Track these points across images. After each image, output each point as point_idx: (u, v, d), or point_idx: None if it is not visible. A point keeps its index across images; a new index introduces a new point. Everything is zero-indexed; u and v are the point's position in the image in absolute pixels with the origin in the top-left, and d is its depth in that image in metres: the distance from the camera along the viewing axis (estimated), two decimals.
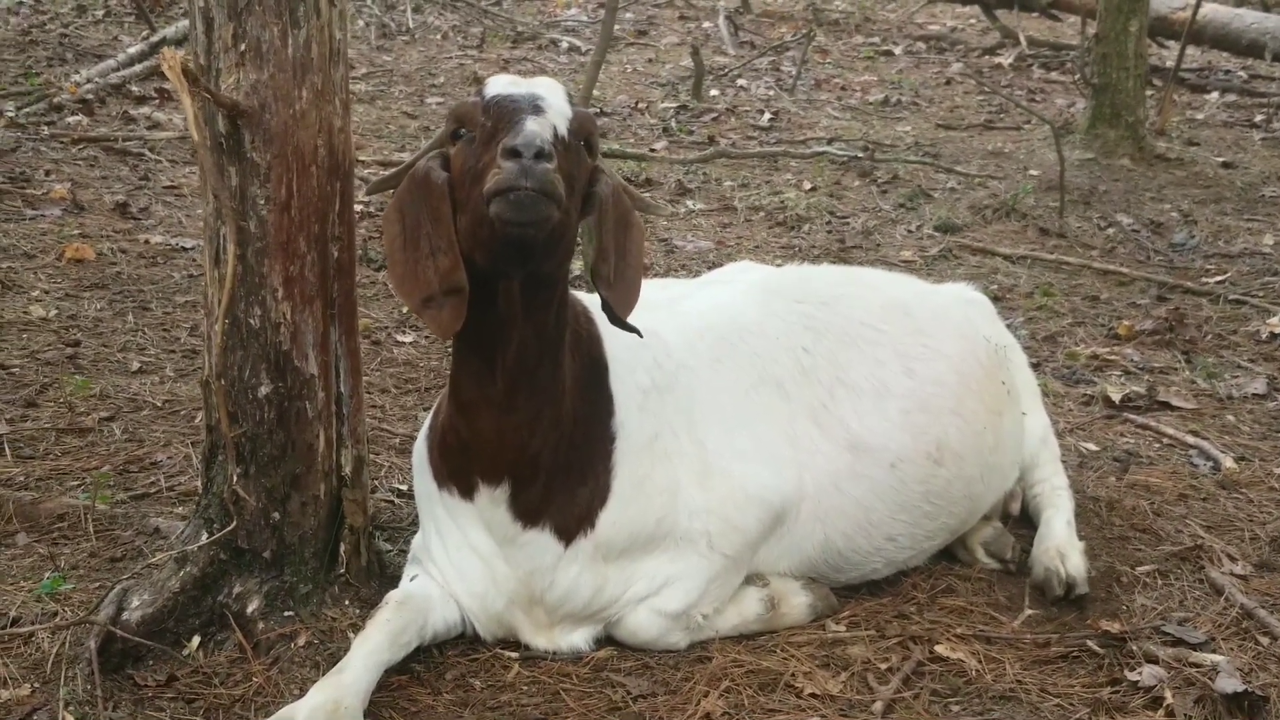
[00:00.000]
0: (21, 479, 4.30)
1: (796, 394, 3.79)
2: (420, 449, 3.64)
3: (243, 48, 3.19)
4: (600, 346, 3.51)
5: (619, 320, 3.25)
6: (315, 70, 3.27)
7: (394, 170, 3.50)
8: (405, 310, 6.05)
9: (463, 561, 3.51)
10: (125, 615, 3.41)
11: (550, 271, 3.15)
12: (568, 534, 3.44)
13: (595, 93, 10.51)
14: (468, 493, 3.43)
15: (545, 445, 3.34)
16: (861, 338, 3.93)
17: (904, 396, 3.88)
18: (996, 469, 4.13)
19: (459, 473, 3.44)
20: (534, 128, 2.91)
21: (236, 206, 3.25)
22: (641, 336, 3.36)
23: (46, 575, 3.69)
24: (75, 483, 4.31)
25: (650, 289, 3.71)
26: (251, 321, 3.36)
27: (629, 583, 3.54)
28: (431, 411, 3.67)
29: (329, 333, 3.44)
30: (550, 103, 3.07)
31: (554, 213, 2.91)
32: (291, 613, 3.51)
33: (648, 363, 3.60)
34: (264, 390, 3.40)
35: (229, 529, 3.39)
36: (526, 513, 3.40)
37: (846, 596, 3.93)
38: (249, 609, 3.48)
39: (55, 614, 3.53)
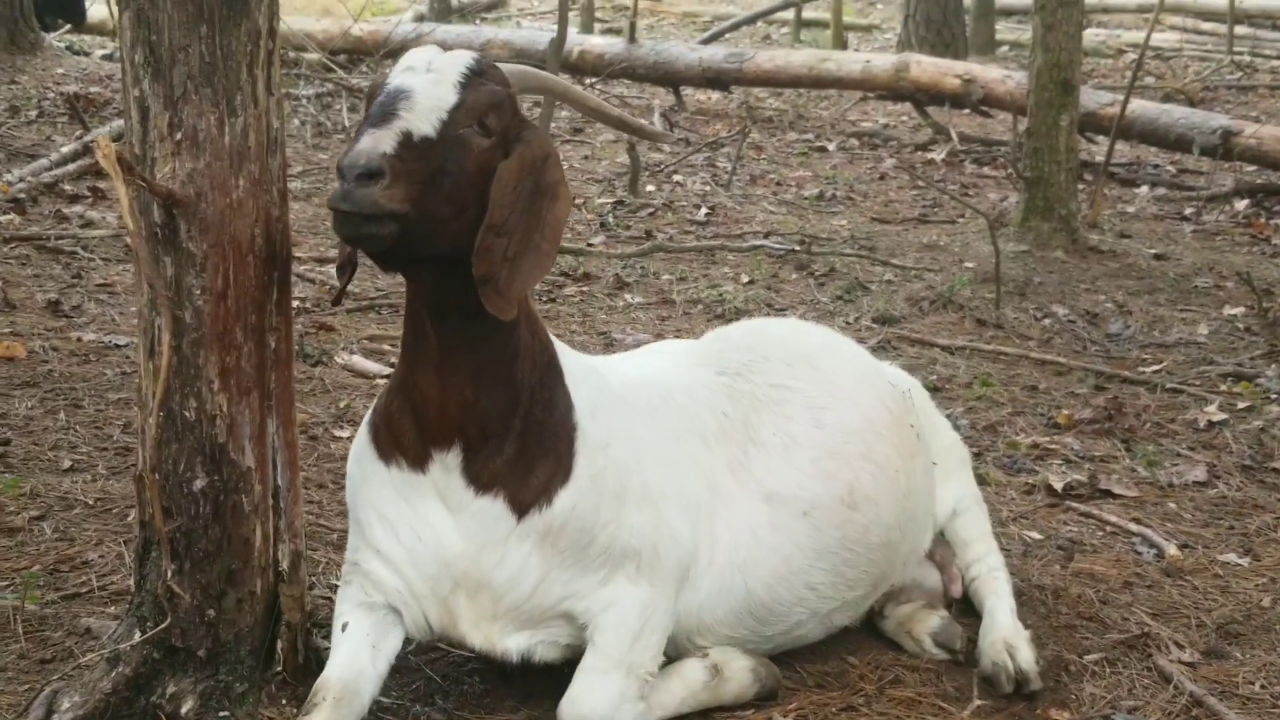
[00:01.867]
0: None
1: (716, 450, 3.85)
2: (362, 435, 3.59)
3: (179, 136, 3.16)
4: (557, 356, 3.54)
5: (500, 300, 3.14)
6: (253, 159, 3.24)
7: None
8: (343, 405, 5.98)
9: (414, 545, 3.44)
10: (56, 718, 3.31)
11: (443, 254, 3.12)
12: (522, 506, 3.40)
13: None
14: (419, 462, 3.39)
15: (494, 409, 3.34)
16: (771, 399, 3.98)
17: (813, 446, 3.93)
18: (912, 516, 4.14)
19: (409, 440, 3.40)
20: (364, 146, 2.91)
21: (172, 296, 3.20)
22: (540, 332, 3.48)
23: None
24: (4, 583, 4.18)
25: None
26: (187, 414, 3.30)
27: (566, 589, 3.49)
28: (373, 405, 3.62)
29: (266, 424, 3.39)
30: (417, 102, 3.03)
31: (388, 229, 2.94)
32: (227, 713, 3.42)
33: (593, 386, 3.63)
34: (199, 484, 3.33)
35: (163, 627, 3.31)
36: (479, 478, 3.37)
37: (792, 687, 3.89)
38: (183, 709, 3.39)
39: None
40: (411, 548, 3.45)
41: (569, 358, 3.61)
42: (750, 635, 3.84)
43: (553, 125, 13.74)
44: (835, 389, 4.06)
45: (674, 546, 3.63)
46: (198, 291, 3.23)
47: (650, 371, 4.02)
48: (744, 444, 3.89)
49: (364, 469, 3.54)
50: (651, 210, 10.58)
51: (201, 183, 3.18)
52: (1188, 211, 11.38)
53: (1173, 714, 3.79)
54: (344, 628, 3.51)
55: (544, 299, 7.98)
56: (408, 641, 3.63)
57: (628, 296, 8.19)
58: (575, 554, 3.48)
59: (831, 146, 13.96)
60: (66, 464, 5.15)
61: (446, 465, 3.36)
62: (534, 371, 3.42)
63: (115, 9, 3.21)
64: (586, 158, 12.77)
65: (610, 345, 7.14)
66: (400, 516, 3.45)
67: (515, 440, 3.39)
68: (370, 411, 3.61)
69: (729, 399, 3.96)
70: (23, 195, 9.40)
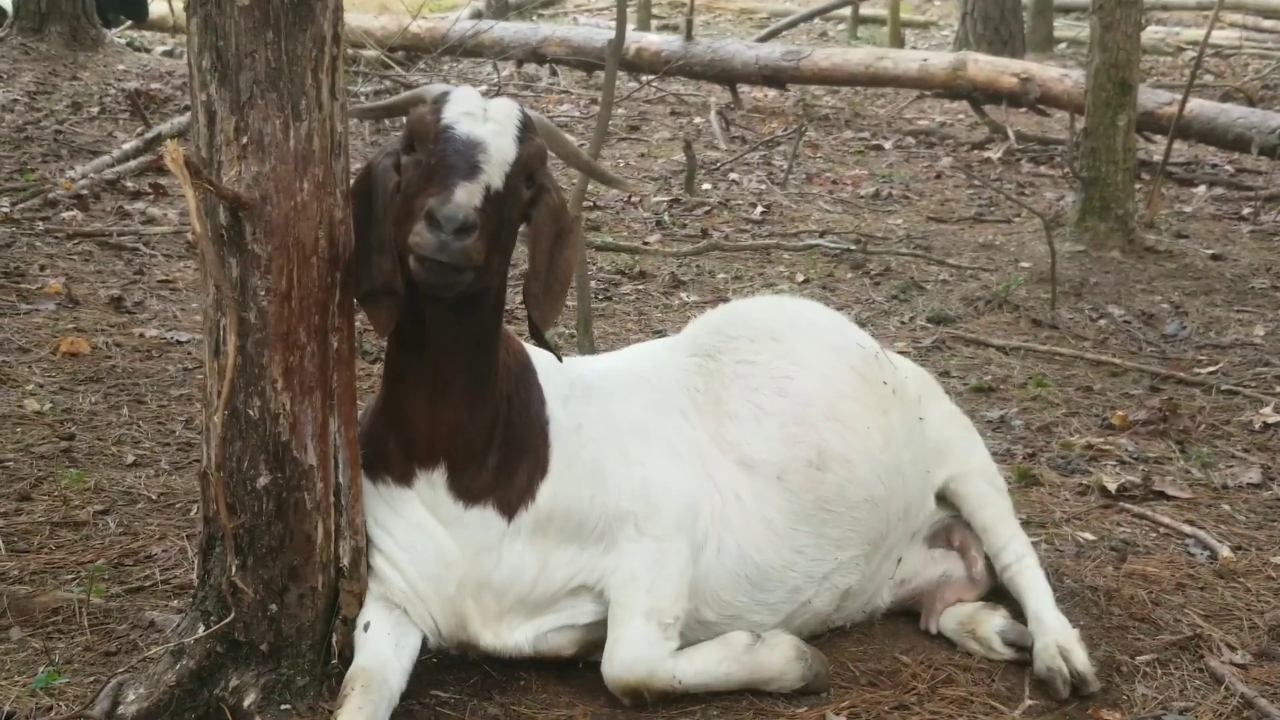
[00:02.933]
0: (16, 573, 4.27)
1: (696, 422, 4.04)
2: None
3: (245, 140, 3.23)
4: (526, 352, 3.76)
5: (539, 334, 3.52)
6: (317, 163, 3.30)
7: (381, 104, 3.78)
8: None
9: (413, 543, 3.61)
10: (121, 709, 3.39)
11: (480, 289, 3.33)
12: (509, 508, 3.59)
13: (589, 187, 10.61)
14: (404, 479, 3.58)
15: (481, 428, 3.53)
16: (739, 374, 4.12)
17: (778, 414, 4.05)
18: (895, 470, 4.18)
19: (393, 460, 3.58)
20: (461, 199, 3.09)
21: (237, 297, 3.27)
22: (560, 359, 3.69)
23: (41, 670, 3.66)
24: (70, 576, 4.28)
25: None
26: (251, 412, 3.36)
27: (569, 569, 3.67)
28: (361, 414, 3.73)
29: (328, 423, 3.45)
30: (491, 156, 3.23)
31: (468, 278, 3.16)
32: (288, 706, 3.48)
33: (564, 379, 3.83)
34: (263, 481, 3.40)
35: (226, 621, 3.37)
36: (466, 493, 3.56)
37: (844, 685, 3.92)
38: (246, 702, 3.45)
39: (50, 709, 3.50)
40: (410, 547, 3.61)
41: (541, 357, 3.79)
42: (753, 604, 3.94)
43: (611, 123, 13.79)
44: (796, 358, 4.16)
45: (671, 495, 3.78)
46: (262, 292, 3.29)
47: (623, 362, 4.23)
48: (719, 417, 4.04)
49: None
50: (707, 209, 10.61)
51: (267, 186, 3.24)
52: (1245, 212, 11.29)
53: (1224, 715, 3.79)
54: (366, 627, 3.60)
55: (600, 297, 8.03)
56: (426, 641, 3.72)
57: (683, 295, 8.24)
58: (569, 535, 3.66)
59: (887, 145, 13.94)
60: (130, 459, 5.24)
61: (433, 483, 3.55)
62: (509, 379, 3.61)
63: (181, 11, 3.27)
64: (643, 155, 12.81)
65: None
66: (395, 523, 3.62)
67: (497, 451, 3.58)
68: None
69: (700, 377, 4.12)
70: (85, 192, 9.54)
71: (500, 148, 3.25)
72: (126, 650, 3.84)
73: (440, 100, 3.35)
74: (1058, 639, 3.99)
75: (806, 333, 4.28)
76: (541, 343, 3.60)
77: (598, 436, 3.77)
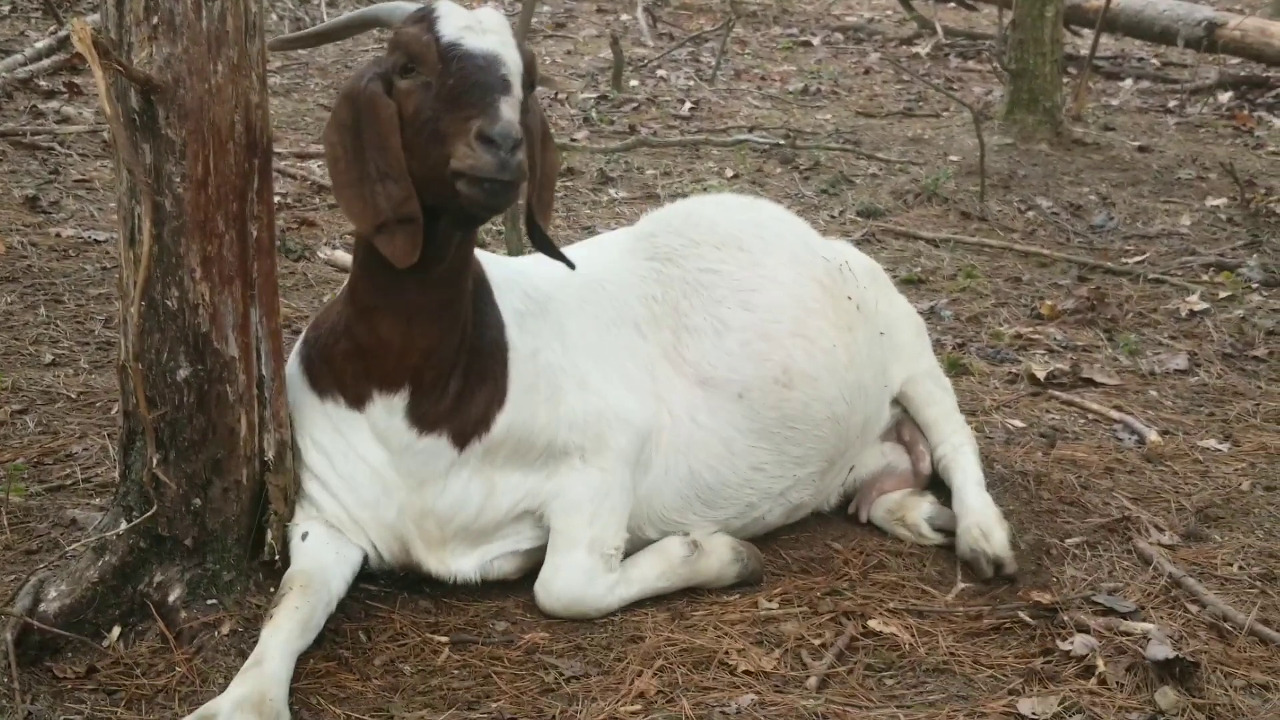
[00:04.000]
0: None
1: (651, 336, 3.94)
2: (293, 363, 3.62)
3: (155, 20, 3.10)
4: (483, 270, 3.60)
5: (543, 237, 3.45)
6: (231, 44, 3.18)
7: (305, 32, 3.68)
8: (325, 299, 5.96)
9: (352, 472, 3.52)
10: (42, 606, 3.31)
11: None
12: (463, 438, 3.49)
13: None
14: (357, 402, 3.47)
15: (448, 351, 3.42)
16: (700, 284, 4.01)
17: (743, 329, 3.95)
18: (858, 386, 4.14)
19: (349, 382, 3.47)
20: (509, 115, 2.98)
21: (151, 183, 3.17)
22: (573, 267, 3.57)
23: None
24: None
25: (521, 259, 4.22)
26: (169, 303, 3.27)
27: (514, 496, 3.59)
28: (308, 325, 3.65)
29: (249, 314, 3.36)
30: (511, 68, 3.12)
31: (518, 193, 3.08)
32: (214, 601, 3.42)
33: (519, 292, 3.71)
34: (183, 373, 3.31)
35: (148, 515, 3.29)
36: (424, 420, 3.45)
37: (777, 573, 3.93)
38: (170, 598, 3.39)
39: None
40: (347, 475, 3.52)
41: (494, 267, 3.65)
42: (701, 520, 3.89)
43: (534, 20, 13.62)
44: (763, 270, 4.06)
45: (622, 427, 3.70)
46: (178, 179, 3.19)
47: (582, 263, 3.97)
48: (676, 330, 3.95)
49: (296, 398, 3.58)
50: (635, 105, 10.52)
51: (179, 68, 3.13)
52: (1171, 104, 11.35)
53: (1152, 594, 3.81)
54: (304, 536, 3.53)
55: None
56: (366, 561, 3.64)
57: (612, 191, 8.16)
58: (516, 461, 3.58)
59: (816, 41, 13.87)
60: (48, 359, 5.13)
61: (391, 407, 3.43)
62: (473, 309, 3.49)
63: None
64: (569, 52, 12.68)
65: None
66: (335, 447, 3.52)
67: (459, 377, 3.47)
68: (302, 342, 3.64)
69: (659, 284, 4.01)
70: None
71: (513, 58, 3.14)
72: (48, 549, 3.77)
73: (429, 17, 3.18)
74: (979, 520, 3.99)
75: (773, 244, 4.16)
76: (546, 246, 3.49)
77: (553, 363, 3.66)
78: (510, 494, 3.59)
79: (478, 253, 3.59)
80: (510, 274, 3.71)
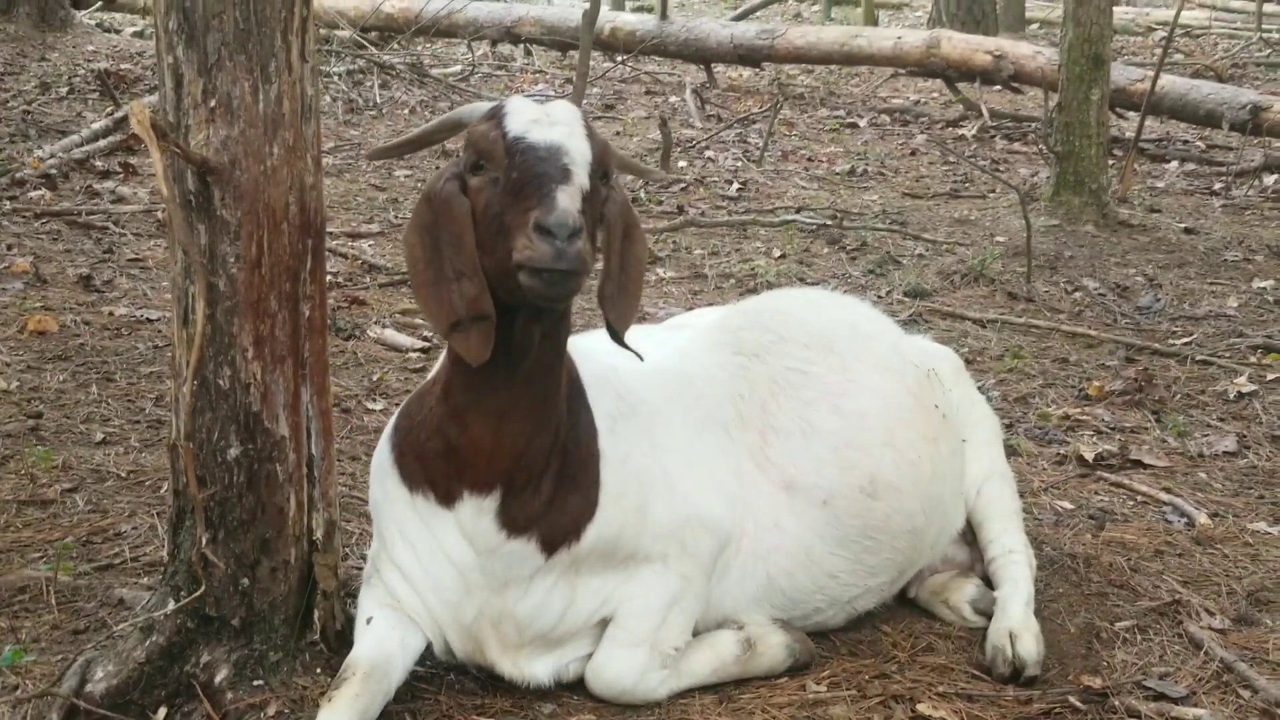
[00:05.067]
0: None
1: (739, 438, 3.86)
2: (384, 452, 3.57)
3: (213, 104, 3.17)
4: (576, 369, 3.53)
5: (618, 337, 3.34)
6: (287, 126, 3.24)
7: (399, 141, 3.66)
8: (375, 378, 6.01)
9: (435, 569, 3.47)
10: (89, 687, 3.34)
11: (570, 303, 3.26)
12: (552, 545, 3.43)
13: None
14: (447, 499, 3.40)
15: (541, 453, 3.35)
16: (789, 383, 3.95)
17: (832, 434, 3.89)
18: (938, 500, 4.09)
19: (440, 479, 3.41)
20: (566, 204, 2.95)
21: (206, 263, 3.21)
22: (642, 359, 3.46)
23: (7, 648, 3.59)
24: (37, 554, 4.22)
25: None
26: (221, 382, 3.31)
27: (594, 602, 3.54)
28: (399, 414, 3.61)
29: (300, 393, 3.40)
30: (575, 158, 3.09)
31: (582, 283, 3.01)
32: (261, 682, 3.43)
33: (611, 393, 3.64)
34: (233, 452, 3.34)
35: (196, 595, 3.31)
36: (514, 523, 3.38)
37: (826, 655, 3.90)
38: (217, 678, 3.40)
39: (16, 687, 3.44)
40: (431, 572, 3.48)
41: (586, 364, 3.58)
42: (766, 619, 3.84)
43: (585, 102, 13.75)
44: (854, 374, 4.01)
45: (706, 535, 3.66)
46: (232, 259, 3.24)
47: (670, 356, 3.98)
48: (763, 430, 3.88)
49: (387, 489, 3.55)
50: (683, 186, 10.58)
51: (235, 150, 3.18)
52: (1217, 186, 11.31)
53: (1203, 679, 3.78)
54: (369, 621, 3.53)
55: None
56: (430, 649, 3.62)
57: (660, 271, 8.20)
58: (599, 566, 3.53)
59: (863, 123, 13.93)
60: (99, 437, 5.18)
61: (481, 508, 3.37)
62: (568, 411, 3.43)
63: None
64: (618, 133, 12.78)
65: (642, 319, 7.14)
66: (422, 540, 3.47)
67: (551, 480, 3.40)
68: (393, 431, 3.58)
69: (746, 382, 3.94)
70: (54, 171, 9.46)
71: (578, 148, 3.12)
72: (95, 628, 3.79)
73: (499, 114, 3.20)
74: (1013, 626, 3.91)
75: (864, 347, 4.11)
76: (621, 343, 3.39)
77: (643, 468, 3.59)
78: (591, 600, 3.54)
79: (572, 344, 3.51)
80: (603, 371, 3.65)
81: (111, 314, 6.63)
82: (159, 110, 3.22)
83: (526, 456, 3.33)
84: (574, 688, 3.64)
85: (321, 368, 3.46)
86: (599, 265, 3.31)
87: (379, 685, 3.38)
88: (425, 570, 3.48)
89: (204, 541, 3.27)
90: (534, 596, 3.47)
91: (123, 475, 4.84)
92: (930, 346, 4.60)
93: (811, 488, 3.84)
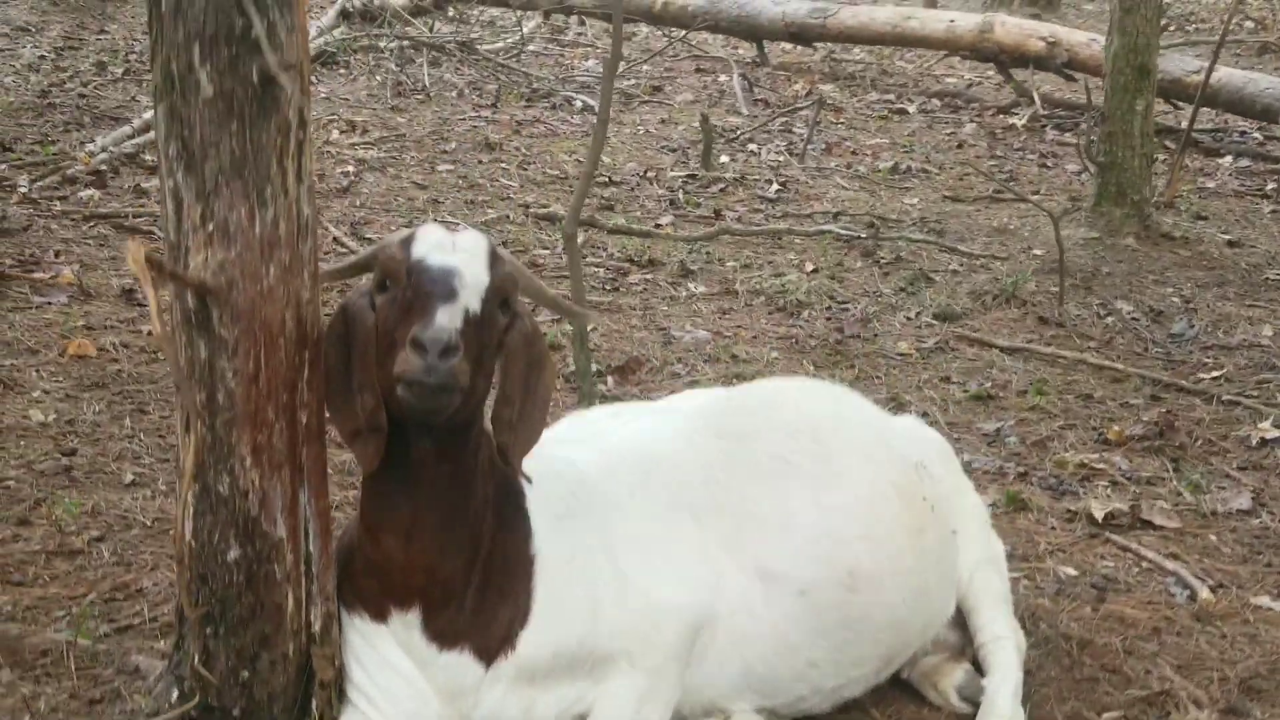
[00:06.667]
0: (9, 608, 4.37)
1: (710, 524, 3.88)
2: None
3: (210, 228, 3.26)
4: (510, 475, 3.60)
5: (509, 462, 3.46)
6: (283, 247, 3.33)
7: (343, 265, 3.79)
8: None
9: (387, 682, 3.58)
10: None
11: (464, 420, 3.35)
12: (488, 655, 3.53)
13: (605, 159, 10.62)
14: (380, 616, 3.55)
15: (457, 569, 3.47)
16: (772, 472, 3.99)
17: (811, 525, 3.92)
18: (922, 591, 4.12)
19: (369, 596, 3.57)
20: (443, 322, 3.11)
21: (204, 378, 3.33)
22: (530, 483, 3.55)
23: None
24: (61, 612, 4.37)
25: (598, 414, 4.35)
26: (220, 489, 3.42)
27: (558, 705, 3.61)
28: (339, 538, 3.74)
29: (298, 496, 3.50)
30: (467, 279, 3.24)
31: (456, 400, 3.15)
32: None
33: (561, 491, 3.73)
34: (233, 554, 3.46)
35: (192, 705, 3.46)
36: (442, 636, 3.51)
37: None
38: None
39: None
40: (383, 685, 3.59)
41: (534, 461, 3.58)
42: (749, 706, 3.90)
43: (632, 82, 13.78)
44: (838, 468, 4.05)
45: (670, 623, 3.69)
46: (230, 374, 3.34)
47: (643, 439, 4.05)
48: (740, 517, 3.90)
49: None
50: (723, 186, 10.61)
51: (233, 272, 3.28)
52: (1270, 187, 11.21)
53: None
54: None
55: (607, 289, 8.07)
56: None
57: (691, 286, 8.26)
58: (557, 676, 3.60)
59: (912, 109, 13.89)
60: (129, 478, 5.33)
61: (407, 623, 3.50)
62: (491, 514, 3.53)
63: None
64: (663, 121, 12.81)
65: (668, 343, 7.23)
66: (368, 656, 3.61)
67: (475, 594, 3.51)
68: (334, 553, 3.70)
69: (724, 468, 3.97)
70: (104, 167, 9.59)
71: (473, 273, 3.26)
72: (110, 699, 3.92)
73: (408, 239, 3.35)
74: None
75: (850, 438, 4.16)
76: (512, 470, 3.49)
77: (591, 567, 3.65)
78: (554, 705, 3.60)
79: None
80: (556, 468, 3.73)
81: (150, 334, 6.75)
82: (161, 230, 3.32)
83: (441, 571, 3.45)
84: None
85: (319, 470, 3.56)
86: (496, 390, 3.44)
87: None
88: (378, 686, 3.59)
89: (196, 659, 3.40)
90: (486, 705, 3.55)
91: (148, 524, 4.98)
92: (919, 432, 4.62)
93: (787, 578, 3.86)
